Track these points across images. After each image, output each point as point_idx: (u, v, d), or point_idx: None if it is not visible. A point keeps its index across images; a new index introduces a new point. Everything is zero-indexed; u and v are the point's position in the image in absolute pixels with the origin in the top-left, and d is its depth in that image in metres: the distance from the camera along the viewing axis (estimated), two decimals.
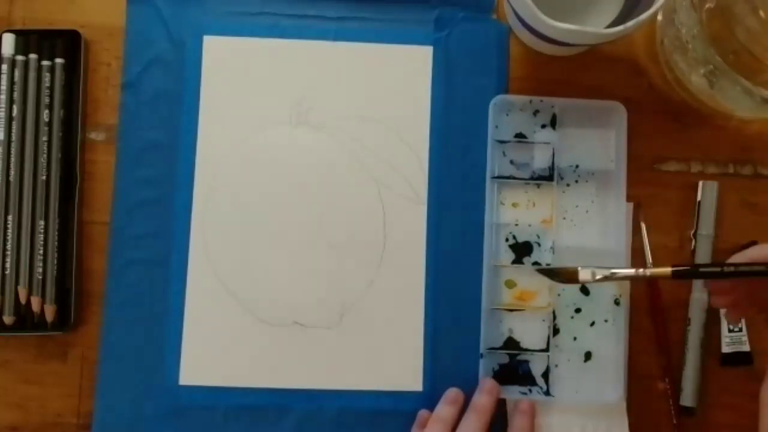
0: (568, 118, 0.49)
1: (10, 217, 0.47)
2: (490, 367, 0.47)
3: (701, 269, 0.40)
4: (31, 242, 0.47)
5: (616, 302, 0.48)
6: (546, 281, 0.47)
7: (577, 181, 0.49)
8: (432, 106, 0.49)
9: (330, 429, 0.47)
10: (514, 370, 0.48)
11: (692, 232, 0.49)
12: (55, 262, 0.47)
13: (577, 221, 0.49)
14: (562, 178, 0.49)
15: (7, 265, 0.47)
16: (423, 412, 0.46)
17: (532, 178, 0.49)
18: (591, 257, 0.47)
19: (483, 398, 0.45)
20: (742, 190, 0.50)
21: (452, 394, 0.46)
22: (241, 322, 0.47)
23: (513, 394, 0.47)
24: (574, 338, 0.48)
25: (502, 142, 0.49)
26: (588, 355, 0.48)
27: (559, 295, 0.48)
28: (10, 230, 0.47)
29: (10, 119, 0.48)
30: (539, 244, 0.49)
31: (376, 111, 0.49)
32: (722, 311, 0.48)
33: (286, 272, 0.48)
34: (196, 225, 0.48)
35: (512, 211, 0.49)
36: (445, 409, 0.45)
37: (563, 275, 0.44)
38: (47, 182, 0.48)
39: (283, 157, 0.49)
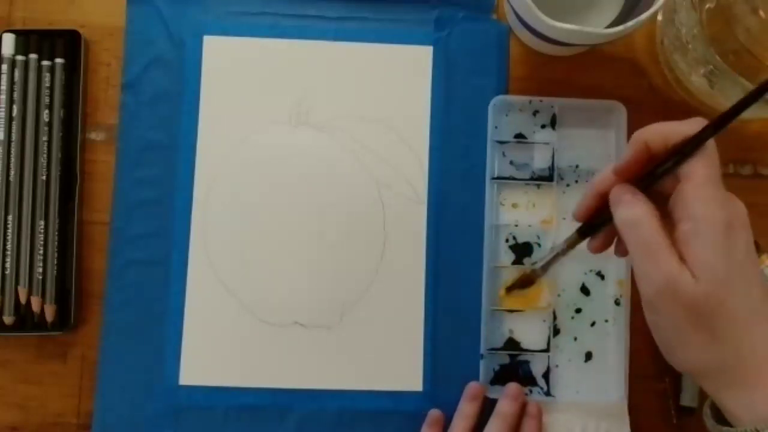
0: (567, 118, 0.49)
1: (10, 217, 0.47)
2: (490, 368, 0.47)
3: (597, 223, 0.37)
4: (31, 242, 0.47)
5: (617, 302, 0.48)
6: (546, 281, 0.47)
7: (577, 182, 0.49)
8: (432, 106, 0.49)
9: (330, 429, 0.47)
10: (515, 371, 0.48)
11: None
12: (55, 262, 0.47)
13: (577, 222, 0.49)
14: (562, 179, 0.49)
15: (7, 265, 0.47)
16: (434, 412, 0.46)
17: (531, 179, 0.49)
18: (591, 257, 0.47)
19: (509, 404, 0.45)
20: (742, 190, 0.50)
21: (473, 389, 0.46)
22: (241, 322, 0.47)
23: None
24: (575, 338, 0.48)
25: (501, 142, 0.49)
26: (588, 356, 0.48)
27: (559, 295, 0.48)
28: (10, 230, 0.47)
29: (10, 119, 0.48)
30: (539, 245, 0.49)
31: (376, 111, 0.49)
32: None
33: (286, 272, 0.48)
34: (196, 225, 0.48)
35: (512, 211, 0.49)
36: (468, 406, 0.46)
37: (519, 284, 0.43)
38: (47, 182, 0.48)
39: (283, 157, 0.49)
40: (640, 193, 0.33)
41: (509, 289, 0.45)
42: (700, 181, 0.31)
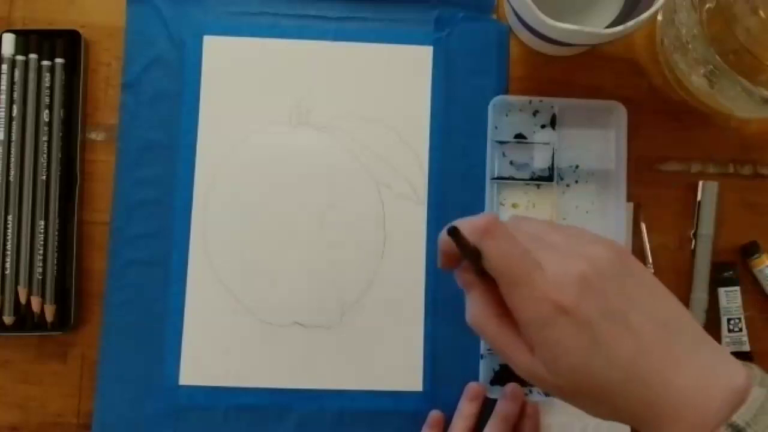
0: (567, 119, 0.49)
1: (10, 217, 0.47)
2: (490, 368, 0.47)
3: None
4: (31, 242, 0.47)
5: None
6: None
7: (577, 182, 0.49)
8: (432, 106, 0.49)
9: (330, 429, 0.47)
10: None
11: (692, 232, 0.49)
12: (55, 262, 0.47)
13: (577, 222, 0.49)
14: (562, 179, 0.49)
15: (7, 265, 0.47)
16: (434, 413, 0.46)
17: (531, 179, 0.49)
18: None
19: (508, 405, 0.45)
20: (742, 190, 0.50)
21: (473, 389, 0.46)
22: (241, 322, 0.47)
23: None
24: None
25: (501, 142, 0.49)
26: None
27: None
28: (10, 230, 0.47)
29: (10, 119, 0.48)
30: None
31: (376, 111, 0.49)
32: None
33: (286, 272, 0.48)
34: (196, 225, 0.48)
35: (512, 211, 0.49)
36: (468, 406, 0.46)
37: None
38: (47, 182, 0.48)
39: (283, 157, 0.49)
40: (475, 284, 0.31)
41: None
42: (505, 283, 0.29)
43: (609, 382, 0.28)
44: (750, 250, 0.49)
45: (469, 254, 0.30)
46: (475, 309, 0.31)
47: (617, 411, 0.29)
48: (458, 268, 0.32)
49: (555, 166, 0.49)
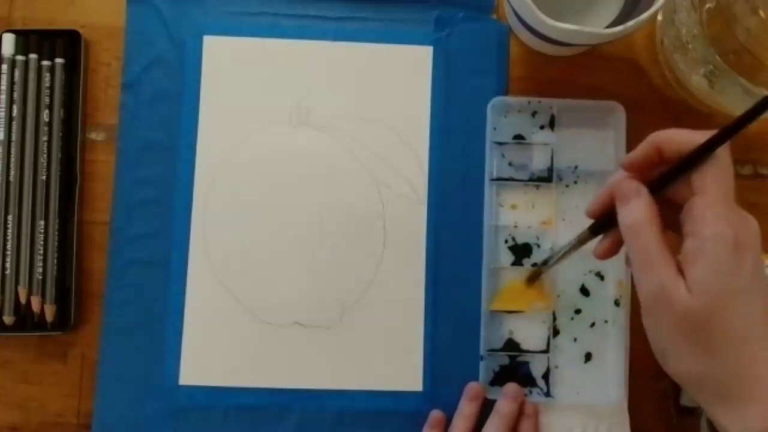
0: (566, 119, 0.49)
1: (10, 217, 0.47)
2: (490, 369, 0.47)
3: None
4: (31, 242, 0.47)
5: (616, 303, 0.48)
6: (546, 283, 0.48)
7: (576, 182, 0.49)
8: (432, 106, 0.49)
9: (330, 429, 0.47)
10: (515, 372, 0.47)
11: None
12: (55, 262, 0.47)
13: (576, 222, 0.49)
14: (561, 180, 0.49)
15: (7, 265, 0.47)
16: (435, 413, 0.46)
17: (531, 180, 0.49)
18: (591, 258, 0.47)
19: (508, 404, 0.45)
20: (742, 190, 0.49)
21: (473, 389, 0.46)
22: (241, 322, 0.47)
23: None
24: (574, 339, 0.48)
25: (500, 143, 0.49)
26: (588, 356, 0.48)
27: (558, 296, 0.48)
28: (10, 230, 0.47)
29: (10, 119, 0.48)
30: (539, 246, 0.49)
31: (376, 111, 0.49)
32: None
33: (286, 272, 0.48)
34: (196, 225, 0.48)
35: (511, 212, 0.49)
36: (468, 406, 0.46)
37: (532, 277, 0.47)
38: (47, 182, 0.48)
39: (283, 157, 0.49)
40: (643, 192, 0.32)
41: (530, 280, 0.47)
42: (710, 199, 0.31)
43: (735, 330, 0.30)
44: None
45: (708, 149, 0.31)
46: (644, 211, 0.32)
47: (714, 361, 0.31)
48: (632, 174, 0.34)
49: (554, 166, 0.49)
